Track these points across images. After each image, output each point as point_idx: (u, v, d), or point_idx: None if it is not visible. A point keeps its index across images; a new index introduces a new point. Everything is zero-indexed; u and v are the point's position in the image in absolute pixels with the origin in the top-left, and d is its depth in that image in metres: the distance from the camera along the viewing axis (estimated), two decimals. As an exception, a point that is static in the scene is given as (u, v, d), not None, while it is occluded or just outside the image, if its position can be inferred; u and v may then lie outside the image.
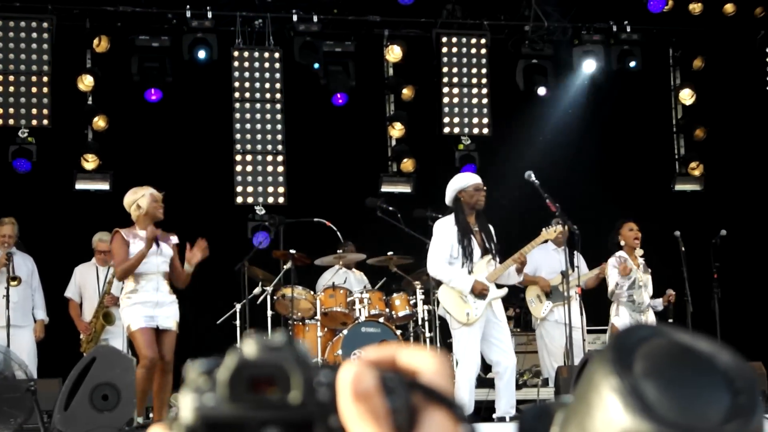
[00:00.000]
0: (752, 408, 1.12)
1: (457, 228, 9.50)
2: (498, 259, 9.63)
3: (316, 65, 13.45)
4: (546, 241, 11.92)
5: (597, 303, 11.97)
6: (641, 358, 1.13)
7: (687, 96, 14.89)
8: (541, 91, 14.19)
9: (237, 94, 13.34)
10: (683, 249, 11.18)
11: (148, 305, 9.35)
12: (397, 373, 0.96)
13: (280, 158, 13.33)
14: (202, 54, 13.15)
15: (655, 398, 1.09)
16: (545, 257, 11.84)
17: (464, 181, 9.71)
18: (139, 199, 9.32)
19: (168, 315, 9.44)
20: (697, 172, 14.83)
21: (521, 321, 12.96)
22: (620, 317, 11.32)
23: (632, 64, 14.22)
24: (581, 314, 10.97)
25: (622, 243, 11.31)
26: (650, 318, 11.29)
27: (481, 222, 9.63)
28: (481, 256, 9.55)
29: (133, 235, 9.30)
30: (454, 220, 9.54)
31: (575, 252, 10.75)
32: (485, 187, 9.64)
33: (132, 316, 9.30)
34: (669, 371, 1.12)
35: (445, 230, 9.53)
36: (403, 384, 0.95)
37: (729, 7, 14.68)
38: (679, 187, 14.92)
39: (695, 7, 14.57)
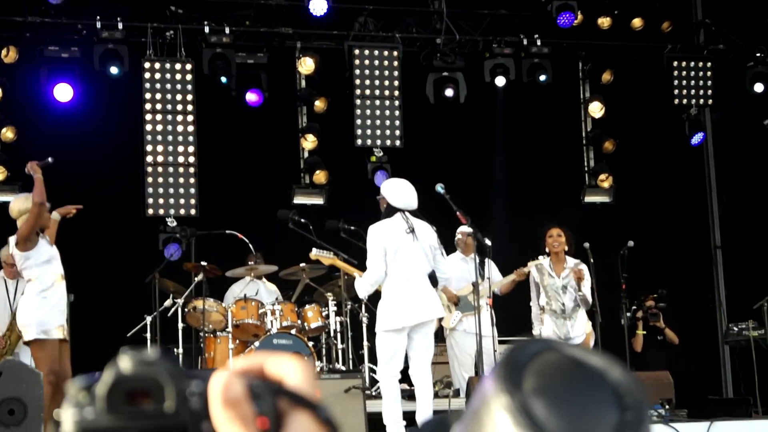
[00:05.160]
0: (639, 424, 1.14)
1: None
2: None
3: (224, 80, 13.37)
4: (455, 251, 12.04)
5: (509, 312, 12.06)
6: (532, 375, 1.14)
7: (596, 109, 15.06)
8: (449, 92, 14.22)
9: (148, 106, 13.22)
10: (592, 260, 11.28)
11: (59, 311, 9.26)
12: (264, 381, 1.05)
13: (191, 170, 13.23)
14: (114, 70, 12.99)
15: (544, 415, 1.10)
16: (455, 267, 11.89)
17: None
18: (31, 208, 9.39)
19: (65, 324, 9.37)
20: (606, 184, 14.98)
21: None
22: (544, 326, 11.35)
23: (542, 77, 14.33)
24: (492, 324, 11.02)
25: (547, 250, 11.38)
26: (578, 323, 11.28)
27: None
28: None
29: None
30: None
31: (487, 260, 10.80)
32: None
33: (49, 321, 9.17)
34: (559, 388, 1.14)
35: None
36: (269, 390, 1.04)
37: (637, 22, 14.88)
38: (588, 198, 15.06)
39: (604, 22, 14.75)
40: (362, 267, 9.78)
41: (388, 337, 9.22)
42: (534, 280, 11.45)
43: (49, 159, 9.61)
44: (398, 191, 9.40)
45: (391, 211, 9.32)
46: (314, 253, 10.24)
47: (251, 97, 13.82)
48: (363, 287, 9.56)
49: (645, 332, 13.34)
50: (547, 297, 11.35)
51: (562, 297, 11.29)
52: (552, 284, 11.32)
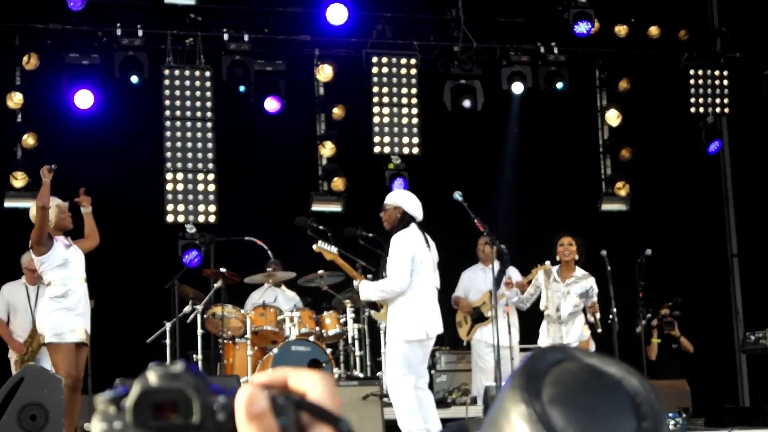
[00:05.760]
0: (656, 432, 1.18)
1: None
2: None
3: (242, 89, 13.45)
4: (477, 262, 12.06)
5: (528, 320, 12.04)
6: (550, 384, 1.17)
7: (613, 117, 15.05)
8: (467, 103, 14.26)
9: (168, 113, 13.28)
10: (609, 268, 11.27)
11: (77, 314, 9.27)
12: (287, 394, 1.07)
13: (210, 177, 13.29)
14: (134, 79, 13.06)
15: (562, 425, 1.13)
16: (473, 278, 11.93)
17: None
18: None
19: (87, 327, 9.40)
20: (623, 192, 14.96)
21: (450, 339, 13.00)
22: (542, 335, 11.36)
23: (559, 85, 14.35)
24: (509, 332, 11.01)
25: (558, 258, 11.38)
26: (574, 329, 11.25)
27: None
28: None
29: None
30: None
31: (509, 268, 10.79)
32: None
33: (63, 324, 9.20)
34: (577, 397, 1.16)
35: None
36: (292, 404, 1.06)
37: (654, 30, 14.90)
38: (605, 206, 15.04)
39: (621, 30, 14.76)
40: (378, 275, 9.79)
41: (412, 347, 9.17)
42: (535, 283, 11.39)
43: (53, 165, 9.67)
44: (414, 201, 9.42)
45: (408, 221, 9.31)
46: (319, 245, 10.18)
47: (270, 104, 13.87)
48: (376, 294, 9.43)
49: (660, 340, 13.33)
50: (547, 301, 11.34)
51: (562, 303, 11.30)
52: (555, 289, 11.33)
